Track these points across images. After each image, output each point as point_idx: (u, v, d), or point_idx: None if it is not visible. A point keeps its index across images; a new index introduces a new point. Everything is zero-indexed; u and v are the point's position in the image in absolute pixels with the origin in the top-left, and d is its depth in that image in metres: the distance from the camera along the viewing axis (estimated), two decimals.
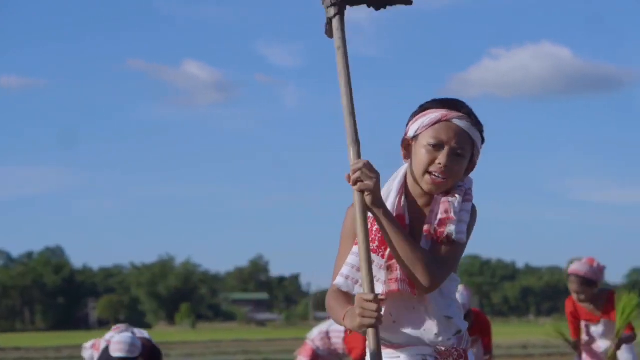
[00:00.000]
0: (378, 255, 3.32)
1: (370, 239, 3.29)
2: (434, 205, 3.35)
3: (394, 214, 3.32)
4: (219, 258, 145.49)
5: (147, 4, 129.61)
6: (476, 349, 9.08)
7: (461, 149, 3.33)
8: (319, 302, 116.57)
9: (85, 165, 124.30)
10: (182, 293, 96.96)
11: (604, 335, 8.33)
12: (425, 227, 3.33)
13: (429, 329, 3.34)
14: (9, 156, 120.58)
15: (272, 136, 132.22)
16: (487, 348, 9.18)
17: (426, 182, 3.34)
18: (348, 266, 3.36)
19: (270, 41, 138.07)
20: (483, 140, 3.42)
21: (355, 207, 3.27)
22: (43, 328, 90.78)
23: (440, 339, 3.35)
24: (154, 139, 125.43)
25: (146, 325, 79.90)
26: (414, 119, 3.40)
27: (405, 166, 3.44)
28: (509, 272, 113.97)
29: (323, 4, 3.41)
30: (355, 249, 3.34)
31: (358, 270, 3.32)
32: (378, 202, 3.24)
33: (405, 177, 3.41)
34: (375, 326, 3.17)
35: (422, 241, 3.33)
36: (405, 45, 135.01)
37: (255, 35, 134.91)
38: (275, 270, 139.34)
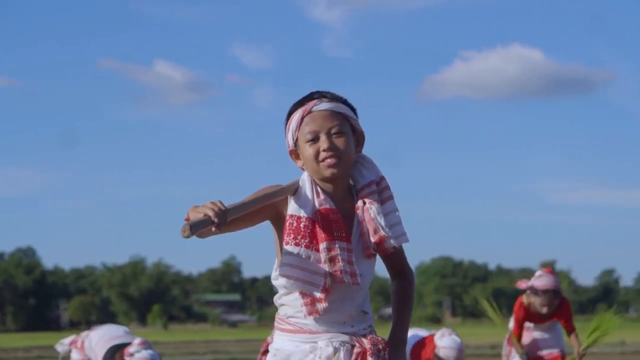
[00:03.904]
0: (311, 250, 3.36)
1: (300, 236, 3.36)
2: (361, 221, 3.44)
3: (319, 209, 3.39)
4: (191, 259, 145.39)
5: (121, 3, 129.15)
6: None
7: (335, 127, 3.40)
8: None
9: (57, 166, 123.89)
10: (153, 294, 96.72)
11: (544, 332, 8.48)
12: (367, 252, 3.44)
13: (349, 320, 3.44)
14: None
15: (244, 137, 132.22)
16: None
17: (324, 169, 3.41)
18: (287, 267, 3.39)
19: (242, 42, 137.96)
20: (353, 109, 3.50)
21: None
22: (14, 329, 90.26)
23: (357, 330, 3.45)
24: (127, 140, 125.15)
25: None
26: (286, 130, 3.50)
27: (303, 174, 3.49)
28: (481, 274, 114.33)
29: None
30: (292, 249, 3.38)
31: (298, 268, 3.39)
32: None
33: (311, 180, 3.46)
34: (210, 217, 3.06)
35: (366, 262, 3.45)
36: (378, 46, 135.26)
37: (227, 36, 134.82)
38: (248, 272, 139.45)
